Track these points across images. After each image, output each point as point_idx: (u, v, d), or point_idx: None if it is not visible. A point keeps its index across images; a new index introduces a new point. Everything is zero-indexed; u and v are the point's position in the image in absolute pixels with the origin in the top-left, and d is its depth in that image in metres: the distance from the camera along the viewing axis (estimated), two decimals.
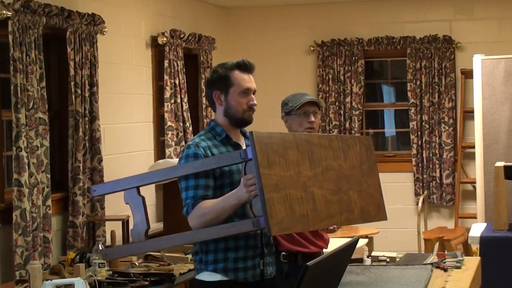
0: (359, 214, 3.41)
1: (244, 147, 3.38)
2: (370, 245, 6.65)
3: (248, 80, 3.34)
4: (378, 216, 3.56)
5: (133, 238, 3.34)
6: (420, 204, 7.55)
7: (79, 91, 5.46)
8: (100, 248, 4.77)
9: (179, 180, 3.27)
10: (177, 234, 3.31)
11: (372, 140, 3.75)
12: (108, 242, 5.46)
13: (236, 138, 3.38)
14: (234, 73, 3.33)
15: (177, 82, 6.86)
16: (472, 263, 4.05)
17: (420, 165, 8.07)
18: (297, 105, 3.92)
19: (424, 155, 8.05)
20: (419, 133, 8.07)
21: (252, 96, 3.35)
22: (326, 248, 4.11)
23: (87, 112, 5.54)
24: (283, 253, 3.90)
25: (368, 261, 4.17)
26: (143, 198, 3.32)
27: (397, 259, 4.15)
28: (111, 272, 4.65)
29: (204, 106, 7.41)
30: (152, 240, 3.37)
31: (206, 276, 3.28)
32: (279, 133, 3.17)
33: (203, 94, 7.35)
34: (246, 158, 3.03)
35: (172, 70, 6.81)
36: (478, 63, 6.32)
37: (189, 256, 5.04)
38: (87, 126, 5.54)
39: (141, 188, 3.37)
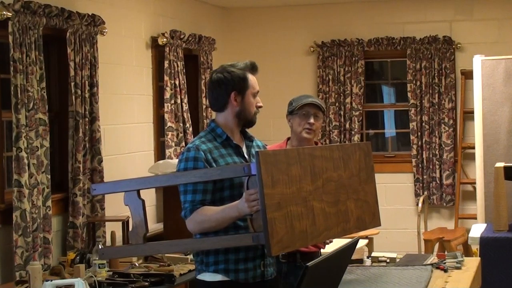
0: (354, 223, 3.47)
1: (244, 148, 3.38)
2: (370, 245, 6.65)
3: (257, 82, 3.40)
4: (372, 223, 3.62)
5: (131, 240, 3.35)
6: (420, 204, 7.55)
7: (79, 91, 5.46)
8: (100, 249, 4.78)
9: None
10: (176, 240, 3.35)
11: (372, 142, 3.77)
12: (108, 243, 5.46)
13: (237, 139, 3.38)
14: (248, 75, 3.35)
15: (177, 82, 6.86)
16: (472, 263, 4.06)
17: (420, 165, 8.07)
18: (298, 105, 3.96)
19: (424, 156, 8.05)
20: (419, 133, 8.07)
21: (258, 97, 3.40)
22: (323, 248, 4.13)
23: (87, 112, 5.54)
24: (282, 253, 3.91)
25: (368, 262, 4.18)
26: (143, 201, 3.32)
27: (397, 260, 4.16)
28: (111, 273, 4.65)
29: (204, 106, 7.41)
30: (150, 244, 3.39)
31: (208, 276, 3.29)
32: (284, 150, 3.21)
33: (203, 95, 7.35)
34: (249, 173, 3.04)
35: (172, 71, 6.81)
36: (478, 63, 6.32)
37: (189, 256, 5.05)
38: (87, 127, 5.54)
39: None
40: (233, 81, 3.32)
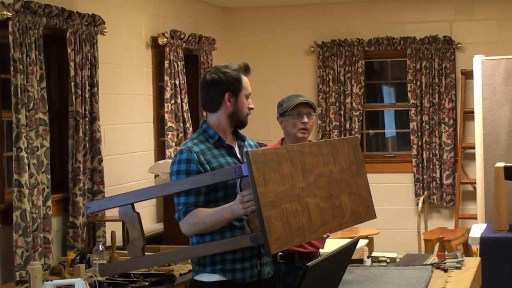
0: (350, 217, 3.48)
1: (236, 148, 3.40)
2: (370, 245, 6.65)
3: (249, 84, 3.41)
4: (368, 216, 3.64)
5: (130, 254, 3.36)
6: (420, 204, 7.55)
7: (79, 91, 5.46)
8: (100, 249, 4.77)
9: None
10: (175, 250, 3.40)
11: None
12: (108, 243, 5.46)
13: (229, 139, 3.39)
14: (242, 76, 3.37)
15: (177, 82, 6.86)
16: (472, 263, 4.06)
17: (420, 165, 8.07)
18: (290, 106, 3.95)
19: (424, 156, 8.05)
20: (419, 133, 8.07)
21: (250, 99, 3.42)
22: (322, 248, 4.12)
23: (87, 112, 5.54)
24: (280, 253, 3.91)
25: (368, 262, 4.18)
26: (138, 214, 3.33)
27: (397, 260, 4.16)
28: None
29: None
30: (150, 256, 3.41)
31: (205, 277, 3.30)
32: (273, 149, 3.21)
33: None
34: (241, 175, 3.06)
35: (172, 71, 6.81)
36: (478, 63, 6.32)
37: None
38: (87, 127, 5.54)
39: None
40: (228, 82, 3.33)
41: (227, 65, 3.39)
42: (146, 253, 3.37)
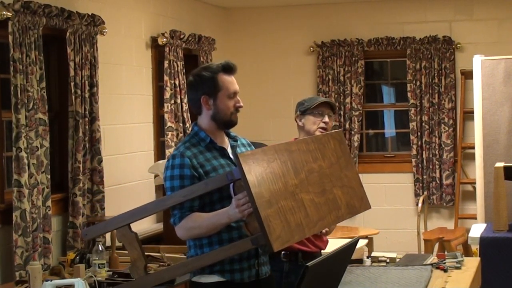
0: (345, 209, 3.50)
1: (229, 149, 3.39)
2: (370, 245, 6.65)
3: (234, 83, 3.36)
4: (363, 207, 3.67)
5: (133, 275, 3.35)
6: (420, 204, 7.55)
7: (79, 91, 5.46)
8: (100, 249, 4.77)
9: (166, 190, 3.30)
10: (177, 264, 3.40)
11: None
12: (108, 243, 5.46)
13: (220, 141, 3.38)
14: (221, 76, 3.32)
15: (177, 82, 6.86)
16: (472, 263, 4.06)
17: (420, 165, 8.07)
18: (313, 104, 4.02)
19: (424, 156, 8.05)
20: (419, 133, 8.07)
21: (238, 98, 3.36)
22: (324, 249, 4.13)
23: (87, 112, 5.54)
24: (284, 252, 3.92)
25: (368, 262, 4.18)
26: (135, 234, 3.32)
27: (397, 260, 4.16)
28: (111, 273, 4.65)
29: None
30: (153, 274, 3.40)
31: (203, 278, 3.30)
32: (261, 149, 3.21)
33: None
34: (233, 179, 3.05)
35: (172, 71, 6.81)
36: (478, 63, 6.32)
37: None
38: (87, 127, 5.54)
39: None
40: (203, 84, 3.31)
41: (208, 65, 3.36)
42: (146, 255, 3.36)
